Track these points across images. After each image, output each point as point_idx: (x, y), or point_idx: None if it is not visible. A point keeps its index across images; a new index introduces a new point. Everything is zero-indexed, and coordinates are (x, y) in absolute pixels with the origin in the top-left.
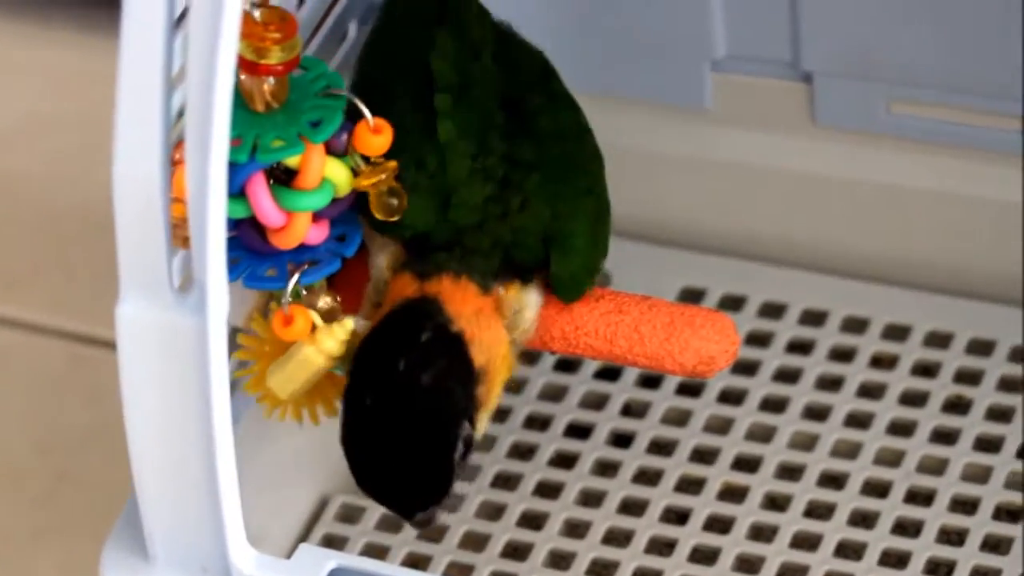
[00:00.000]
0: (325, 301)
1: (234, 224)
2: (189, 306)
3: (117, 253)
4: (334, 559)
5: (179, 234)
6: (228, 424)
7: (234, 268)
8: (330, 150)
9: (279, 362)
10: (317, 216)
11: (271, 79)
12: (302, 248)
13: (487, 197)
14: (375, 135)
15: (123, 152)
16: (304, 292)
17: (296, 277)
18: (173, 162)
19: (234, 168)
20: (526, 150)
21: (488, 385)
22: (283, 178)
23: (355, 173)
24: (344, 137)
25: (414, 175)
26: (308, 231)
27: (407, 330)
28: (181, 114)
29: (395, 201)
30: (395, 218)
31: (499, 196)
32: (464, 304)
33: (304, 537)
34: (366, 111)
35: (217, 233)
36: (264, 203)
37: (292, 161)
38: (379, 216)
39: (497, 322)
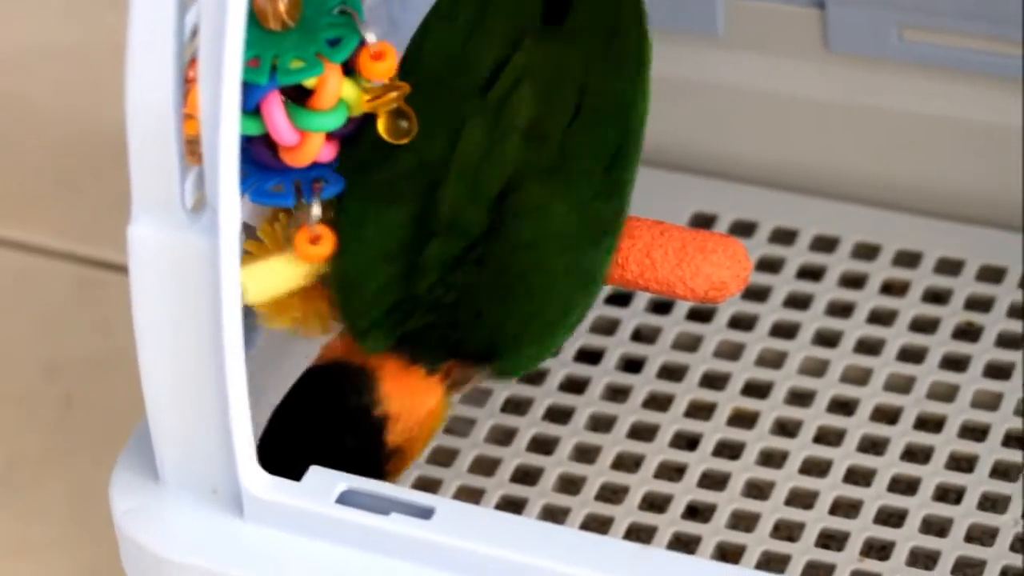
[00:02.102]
0: (315, 217)
1: (246, 140)
2: (201, 227)
3: (130, 173)
4: (345, 481)
5: (193, 150)
6: (240, 345)
7: (242, 181)
8: (344, 70)
9: (262, 268)
10: (329, 135)
11: None
12: (311, 165)
13: (436, 301)
14: (376, 60)
15: (136, 72)
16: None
17: (316, 199)
18: (187, 80)
19: (250, 87)
20: (491, 263)
21: (403, 458)
22: (297, 96)
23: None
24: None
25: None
26: (321, 150)
27: (330, 397)
28: (196, 32)
29: (405, 123)
30: (404, 140)
31: (452, 305)
32: (402, 386)
33: None
34: (369, 35)
35: (230, 154)
36: (280, 123)
37: (308, 81)
38: (389, 138)
39: (434, 396)
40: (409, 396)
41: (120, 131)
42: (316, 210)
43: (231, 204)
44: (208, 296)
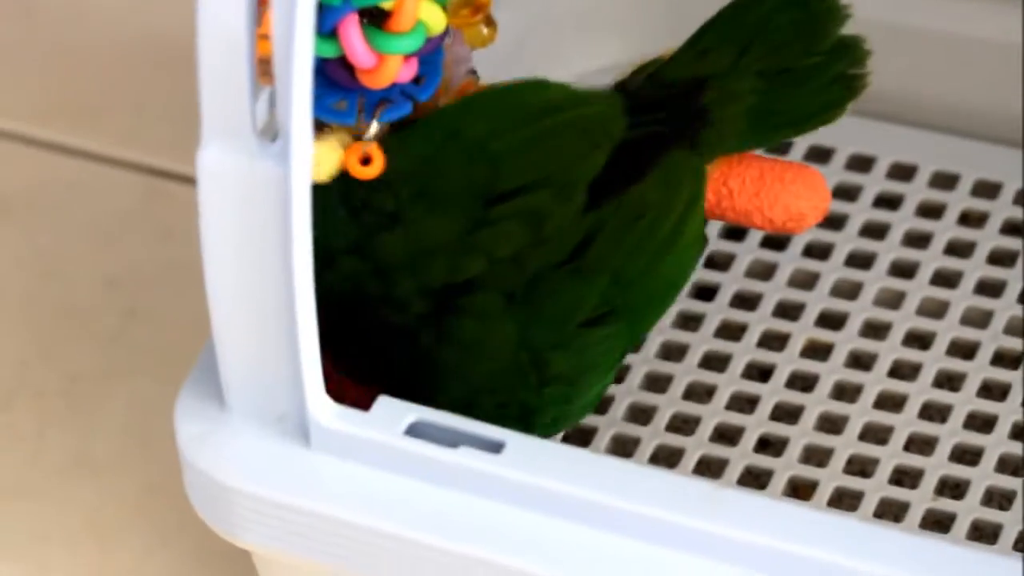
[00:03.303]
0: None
1: (322, 60)
2: (272, 154)
3: (199, 96)
4: (414, 412)
5: (265, 70)
6: (310, 274)
7: None
8: None
9: None
10: (407, 55)
11: None
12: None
13: None
14: None
15: None
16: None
17: (375, 121)
18: (261, 1)
19: (326, 9)
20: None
21: None
22: (374, 17)
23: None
24: None
25: None
26: (399, 71)
27: None
28: None
29: (487, 30)
30: (487, 46)
31: None
32: None
33: None
34: None
35: (303, 78)
36: (357, 46)
37: (386, 2)
38: (473, 46)
39: None
40: None
41: (189, 35)
42: (374, 128)
43: (304, 130)
44: (278, 224)
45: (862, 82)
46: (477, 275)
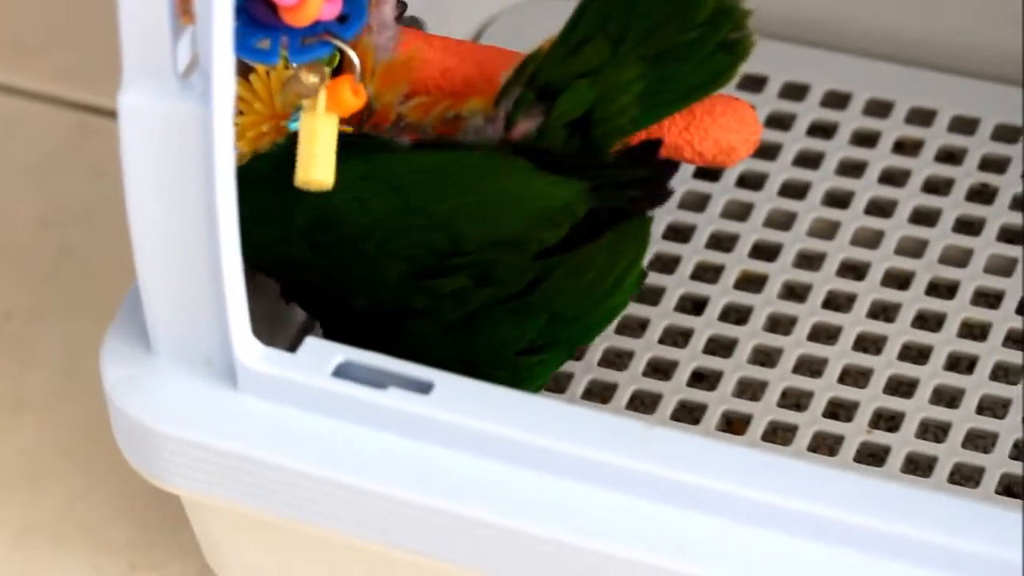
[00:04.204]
0: (312, 78)
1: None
2: (194, 94)
3: (119, 37)
4: (341, 353)
5: (187, 8)
6: (234, 214)
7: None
8: None
9: (308, 152)
10: None
11: None
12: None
13: None
14: None
15: None
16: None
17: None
18: None
19: None
20: None
21: None
22: None
23: None
24: None
25: None
26: (322, 8)
27: None
28: None
29: None
30: None
31: None
32: None
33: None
34: None
35: (224, 13)
36: None
37: None
38: None
39: None
40: None
41: None
42: (312, 78)
43: (225, 68)
44: (202, 165)
45: (745, 46)
46: (420, 307)
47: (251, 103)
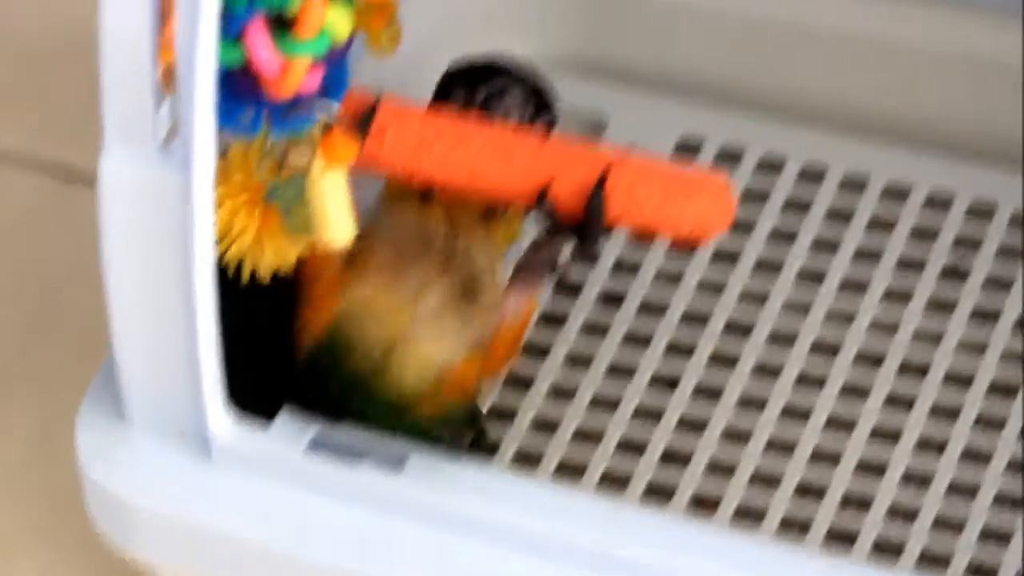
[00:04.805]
0: (301, 160)
1: (225, 73)
2: (174, 162)
3: (101, 104)
4: (315, 428)
5: (169, 80)
6: (211, 285)
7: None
8: None
9: (323, 215)
10: (312, 63)
11: None
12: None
13: None
14: None
15: (110, 4)
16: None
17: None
18: (165, 10)
19: (232, 16)
20: None
21: None
22: (280, 26)
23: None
24: None
25: None
26: (304, 80)
27: None
28: None
29: (393, 36)
30: (391, 53)
31: None
32: None
33: None
34: None
35: (205, 84)
36: (262, 48)
37: (292, 8)
38: (376, 49)
39: None
40: None
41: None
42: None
43: (206, 136)
44: (179, 233)
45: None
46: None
47: (230, 175)
